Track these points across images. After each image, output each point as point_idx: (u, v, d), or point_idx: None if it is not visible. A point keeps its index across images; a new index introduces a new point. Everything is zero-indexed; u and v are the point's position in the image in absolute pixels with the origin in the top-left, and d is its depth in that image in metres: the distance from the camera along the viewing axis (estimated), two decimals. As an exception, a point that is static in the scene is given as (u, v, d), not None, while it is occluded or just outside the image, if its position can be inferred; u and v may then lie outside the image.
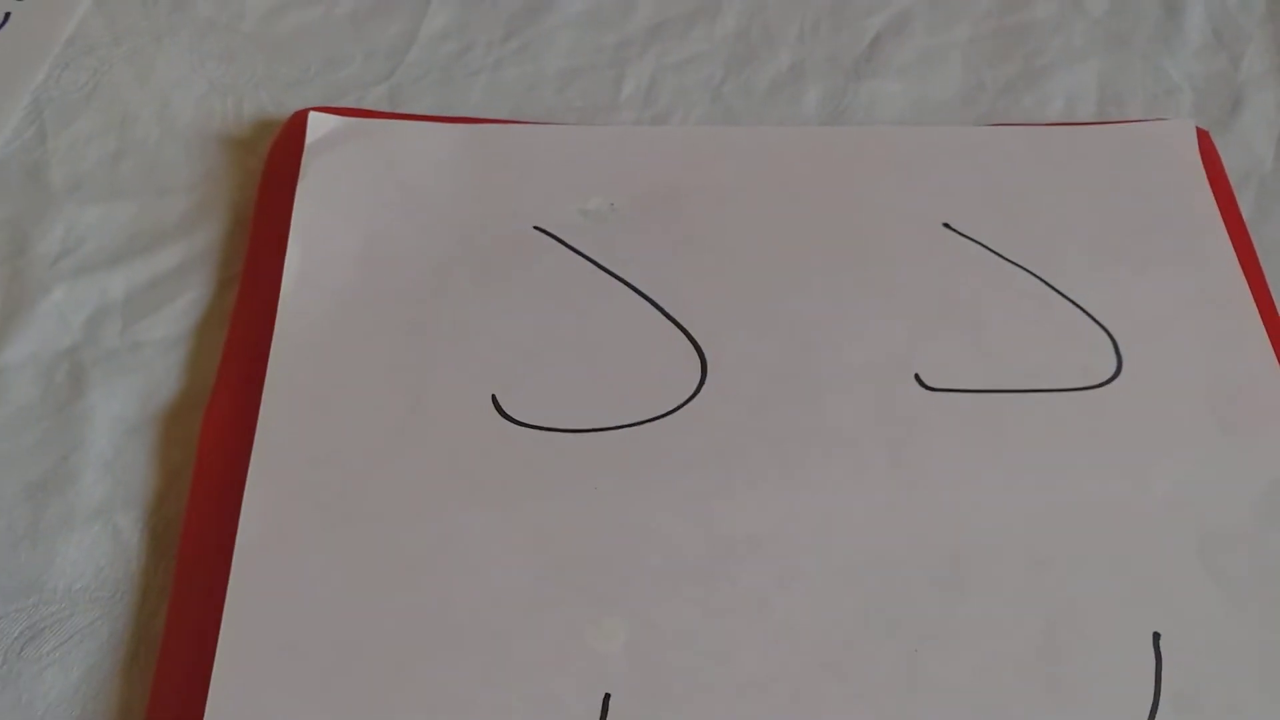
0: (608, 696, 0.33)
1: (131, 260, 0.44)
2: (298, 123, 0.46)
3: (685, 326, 0.41)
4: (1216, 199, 0.45)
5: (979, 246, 0.44)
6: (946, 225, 0.44)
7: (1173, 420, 0.39)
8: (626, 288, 0.42)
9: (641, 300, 0.42)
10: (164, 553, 0.37)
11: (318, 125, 0.46)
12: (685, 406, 0.39)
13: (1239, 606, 0.36)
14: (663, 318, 0.41)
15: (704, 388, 0.40)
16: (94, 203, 0.46)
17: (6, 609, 0.36)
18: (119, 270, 0.44)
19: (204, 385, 0.41)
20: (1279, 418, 0.39)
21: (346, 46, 0.51)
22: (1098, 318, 0.42)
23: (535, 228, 0.44)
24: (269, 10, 0.52)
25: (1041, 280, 0.43)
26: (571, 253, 0.43)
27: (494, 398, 0.39)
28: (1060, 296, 0.42)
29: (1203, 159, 0.47)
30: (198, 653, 0.34)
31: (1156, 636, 0.35)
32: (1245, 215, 0.46)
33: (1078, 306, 0.42)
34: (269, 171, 0.46)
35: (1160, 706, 0.34)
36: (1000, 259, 0.43)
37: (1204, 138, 0.48)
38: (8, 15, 0.51)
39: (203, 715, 0.33)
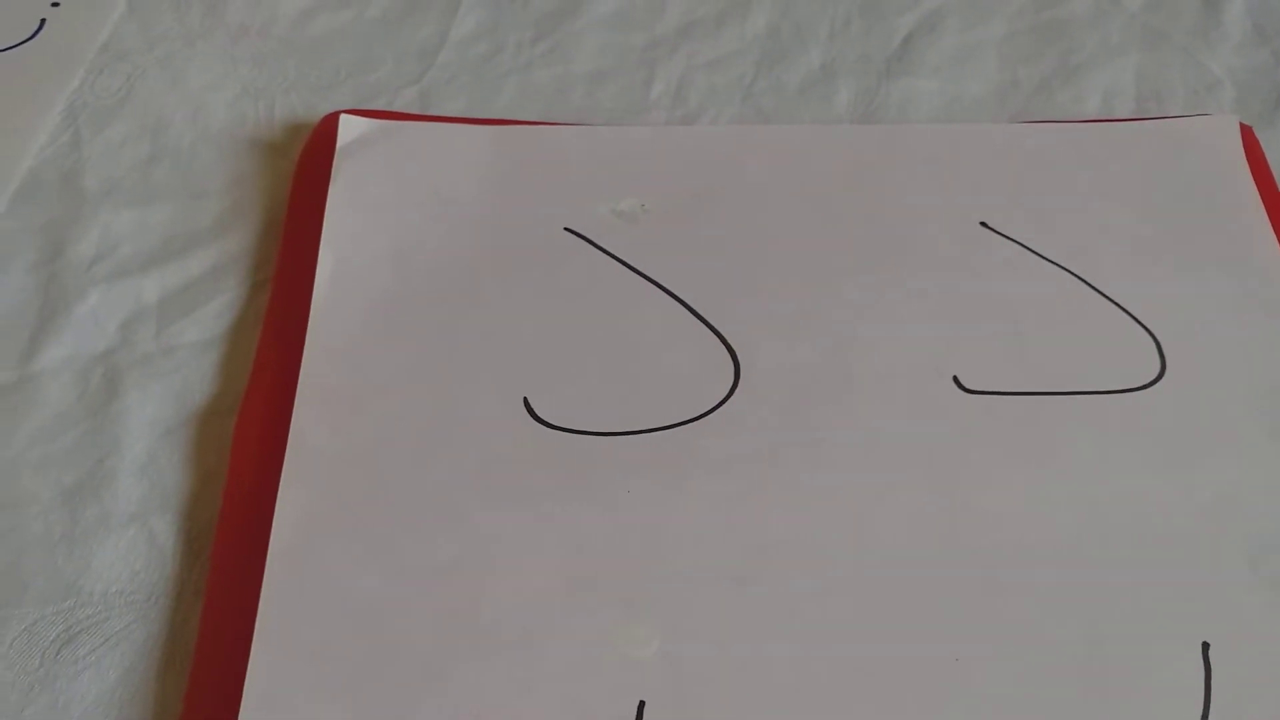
0: (642, 704, 0.33)
1: (165, 264, 0.44)
2: (329, 126, 0.46)
3: (718, 328, 0.41)
4: (1261, 195, 0.44)
5: (1017, 246, 0.43)
6: (983, 224, 0.44)
7: (1218, 423, 0.39)
8: (658, 289, 0.42)
9: (673, 302, 0.42)
10: (198, 555, 0.37)
11: (349, 128, 0.46)
12: (718, 409, 0.39)
13: (1290, 614, 0.35)
14: (695, 319, 0.41)
15: (737, 390, 0.39)
16: (128, 207, 0.46)
17: (44, 612, 0.36)
18: (153, 274, 0.44)
19: (238, 388, 0.41)
20: (1328, 420, 0.39)
21: (377, 49, 0.51)
22: (1140, 319, 0.41)
23: (566, 229, 0.44)
24: (300, 14, 0.53)
25: (1082, 280, 0.42)
26: (602, 254, 0.43)
27: (525, 400, 0.39)
28: (1101, 297, 0.42)
29: (1246, 154, 0.46)
30: (232, 655, 0.34)
31: (1206, 646, 0.34)
32: (1290, 213, 0.45)
33: (1119, 307, 0.41)
34: (300, 174, 0.46)
35: (1210, 718, 0.33)
36: (1039, 258, 0.43)
37: (1247, 133, 0.47)
38: (43, 22, 0.52)
39: (237, 717, 0.33)
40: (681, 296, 0.42)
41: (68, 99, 0.49)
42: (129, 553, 0.37)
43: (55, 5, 0.52)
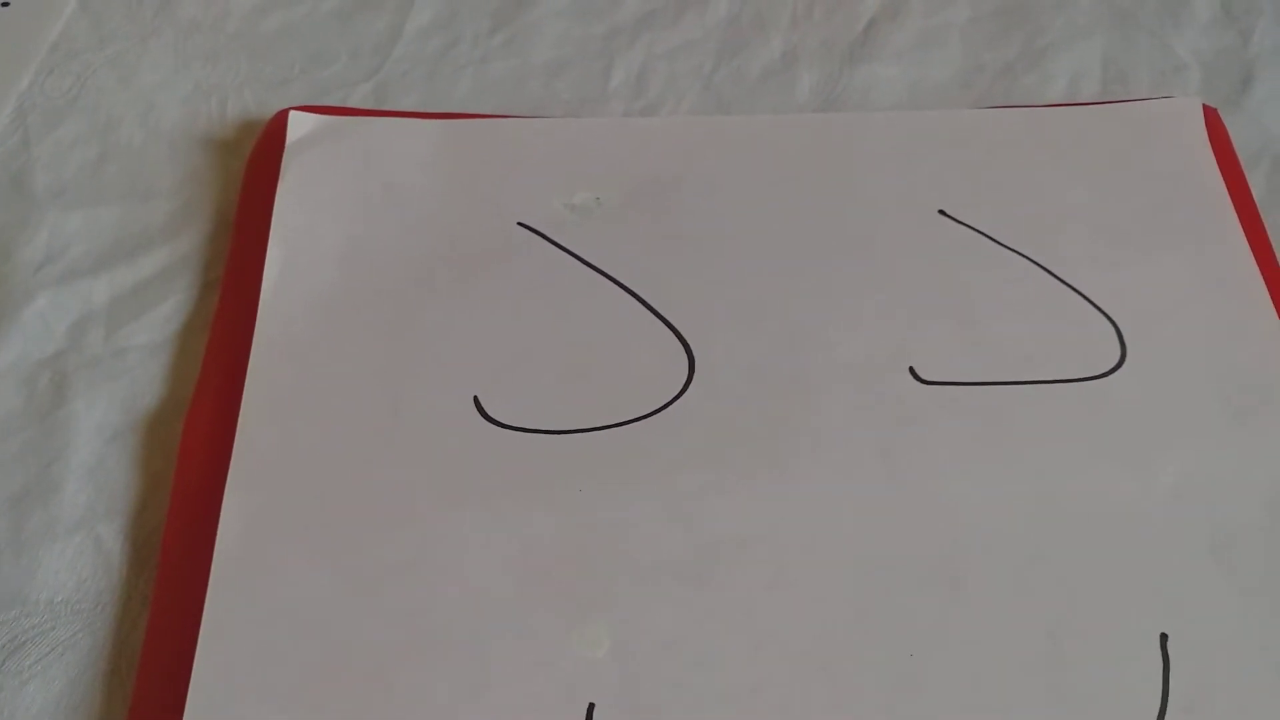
0: (592, 706, 0.33)
1: (115, 266, 0.44)
2: (279, 123, 0.46)
3: (672, 322, 0.40)
4: (1226, 179, 0.44)
5: (976, 233, 0.42)
6: (942, 212, 0.43)
7: (1180, 410, 0.38)
8: (611, 283, 0.41)
9: (627, 296, 0.41)
10: (146, 562, 0.37)
11: (298, 125, 0.45)
12: (672, 405, 0.38)
13: (1250, 605, 0.34)
14: (648, 314, 0.41)
15: (691, 385, 0.39)
16: (78, 208, 0.45)
17: (-11, 622, 0.35)
18: (102, 276, 0.43)
19: (187, 391, 0.40)
20: (1289, 405, 0.38)
21: (331, 44, 0.51)
22: (1101, 305, 0.41)
23: (519, 224, 0.43)
24: (253, 9, 0.52)
25: (1041, 267, 0.42)
26: (556, 249, 0.42)
27: (476, 399, 0.38)
28: (1061, 284, 0.41)
29: (1211, 138, 0.45)
30: (177, 663, 0.34)
31: (1164, 638, 0.34)
32: (1257, 196, 0.44)
33: (1079, 294, 0.41)
34: (250, 173, 0.45)
35: (1168, 711, 0.32)
36: (998, 246, 0.42)
37: (1212, 116, 0.46)
38: (-8, 21, 0.51)
39: (182, 725, 0.32)
40: (635, 290, 0.41)
41: (17, 99, 0.48)
42: (75, 560, 0.37)
43: (5, 5, 0.51)
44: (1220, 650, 0.33)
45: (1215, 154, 0.45)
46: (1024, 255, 0.42)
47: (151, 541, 0.37)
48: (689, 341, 0.40)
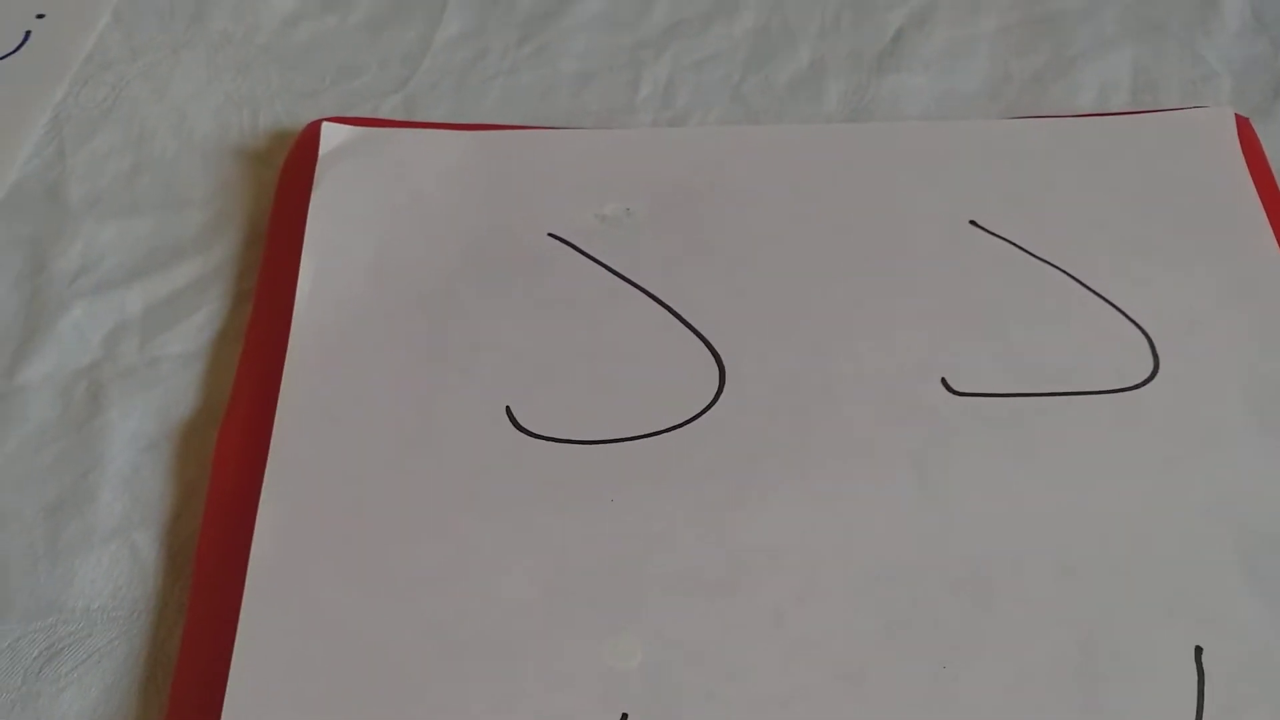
0: (624, 717, 0.33)
1: (149, 276, 0.44)
2: (311, 134, 0.46)
3: (703, 333, 0.40)
4: (1258, 189, 0.44)
5: (1007, 244, 0.42)
6: (973, 223, 0.43)
7: (1212, 422, 0.38)
8: (642, 294, 0.41)
9: (658, 307, 0.41)
10: (181, 570, 0.37)
11: (331, 136, 0.46)
12: (703, 416, 0.38)
13: (1285, 618, 0.34)
14: (679, 324, 0.41)
15: (722, 396, 0.39)
16: (112, 219, 0.46)
17: (26, 629, 0.36)
18: (137, 286, 0.44)
19: (221, 400, 0.40)
20: (1325, 418, 0.38)
21: (361, 55, 0.51)
22: (1133, 316, 0.40)
23: (550, 235, 0.43)
24: (284, 21, 0.52)
25: (1073, 278, 0.41)
26: (587, 260, 0.42)
27: (508, 409, 0.39)
28: (1094, 295, 0.41)
29: (1243, 147, 0.45)
30: (213, 669, 0.34)
31: (1199, 651, 0.33)
32: (1289, 206, 0.44)
33: (1112, 305, 0.41)
34: (283, 184, 0.45)
35: (1202, 723, 0.32)
36: (1030, 256, 0.42)
37: (1244, 125, 0.46)
38: (28, 34, 0.51)
39: (218, 734, 0.33)
40: (665, 301, 0.41)
41: (53, 111, 0.49)
42: (111, 568, 0.37)
43: (40, 17, 0.52)
44: (1256, 663, 0.33)
45: (1248, 163, 0.44)
46: (1056, 266, 0.42)
47: (187, 549, 0.37)
48: (720, 352, 0.40)
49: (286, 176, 0.46)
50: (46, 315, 0.43)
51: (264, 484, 0.37)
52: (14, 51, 0.51)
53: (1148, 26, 0.51)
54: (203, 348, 0.42)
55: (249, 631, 0.34)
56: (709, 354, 0.40)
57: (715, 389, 0.39)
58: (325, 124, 0.46)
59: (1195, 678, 0.33)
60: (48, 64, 0.50)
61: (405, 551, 0.36)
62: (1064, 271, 0.42)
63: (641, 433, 0.38)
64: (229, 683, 0.33)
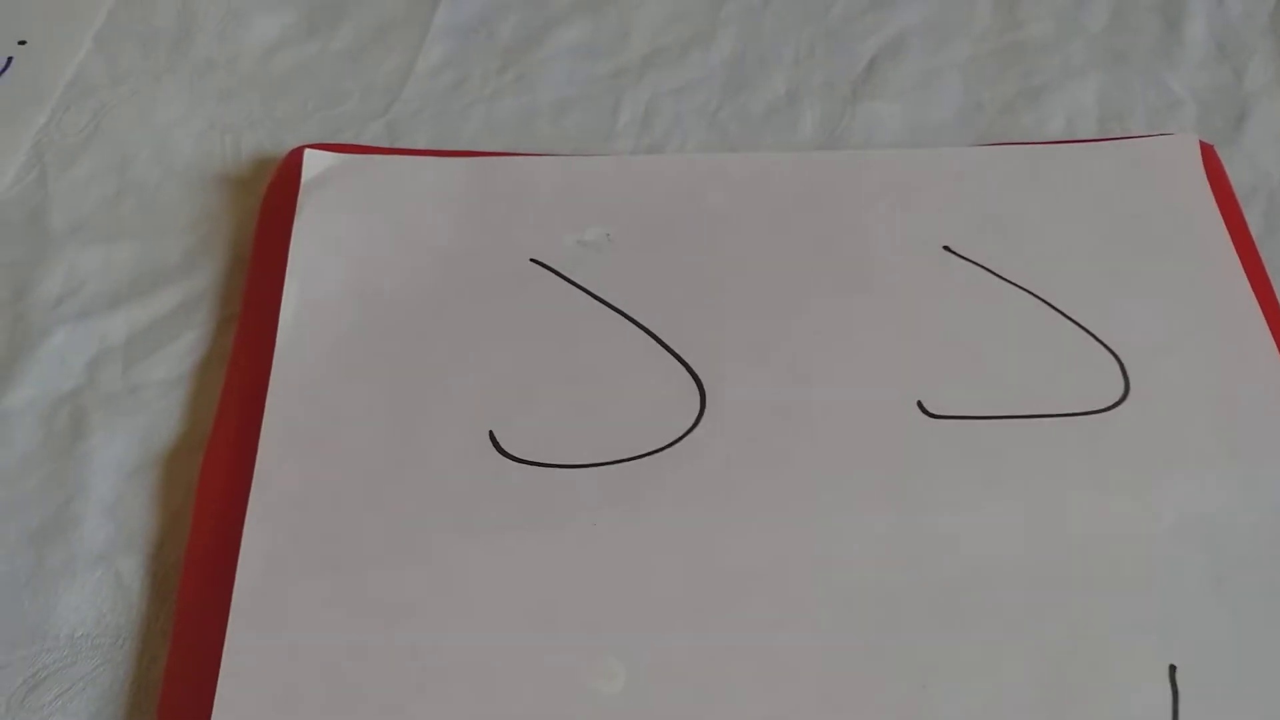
0: (608, 738, 0.33)
1: (132, 302, 0.44)
2: (294, 161, 0.47)
3: (683, 357, 0.41)
4: (1223, 214, 0.45)
5: (980, 269, 0.43)
6: (947, 248, 0.44)
7: (1182, 444, 0.39)
8: (624, 319, 0.42)
9: (639, 331, 0.42)
10: (165, 597, 0.37)
11: (313, 163, 0.46)
12: (684, 439, 0.39)
13: (1255, 637, 0.35)
14: (660, 349, 0.41)
15: (703, 419, 0.39)
16: (94, 245, 0.46)
17: (10, 657, 0.36)
18: (120, 312, 0.44)
19: (205, 426, 0.41)
20: (1289, 438, 0.39)
21: (344, 82, 0.52)
22: (1104, 340, 0.41)
23: (532, 260, 0.44)
24: (266, 48, 0.53)
25: (1045, 302, 0.42)
26: (568, 285, 0.43)
27: (491, 434, 0.39)
28: (1065, 319, 0.42)
29: (1208, 173, 0.46)
30: (197, 698, 0.34)
31: (1173, 669, 0.34)
32: (1253, 231, 0.45)
33: (1083, 329, 0.42)
34: (266, 210, 0.46)
35: (1177, 741, 0.33)
36: (1002, 281, 0.43)
37: (1208, 152, 0.47)
38: (9, 60, 0.52)
39: (202, 762, 0.33)
40: (647, 325, 0.42)
41: (34, 137, 0.49)
42: (95, 595, 0.37)
43: (22, 44, 0.52)
44: (1228, 682, 0.34)
45: (1213, 190, 0.45)
46: (1028, 290, 0.43)
47: (171, 576, 0.37)
48: (700, 376, 0.40)
49: (269, 203, 0.46)
50: (29, 341, 0.43)
51: (248, 509, 0.37)
52: (-5, 78, 0.51)
53: (1114, 56, 0.53)
54: (186, 374, 0.42)
55: (234, 657, 0.34)
56: (690, 378, 0.40)
57: (696, 413, 0.40)
58: (308, 150, 0.47)
59: (1170, 696, 0.34)
60: (30, 90, 0.50)
61: (389, 576, 0.36)
62: (1036, 296, 0.42)
63: (623, 456, 0.38)
64: (214, 709, 0.33)
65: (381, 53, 0.53)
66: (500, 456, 0.39)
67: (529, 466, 0.38)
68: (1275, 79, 0.51)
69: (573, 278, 0.43)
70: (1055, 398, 0.40)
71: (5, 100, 0.50)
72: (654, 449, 0.39)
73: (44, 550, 0.38)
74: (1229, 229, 0.44)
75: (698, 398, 0.40)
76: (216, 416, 0.40)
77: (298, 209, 0.44)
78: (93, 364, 0.42)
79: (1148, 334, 0.41)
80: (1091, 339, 0.41)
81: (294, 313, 0.42)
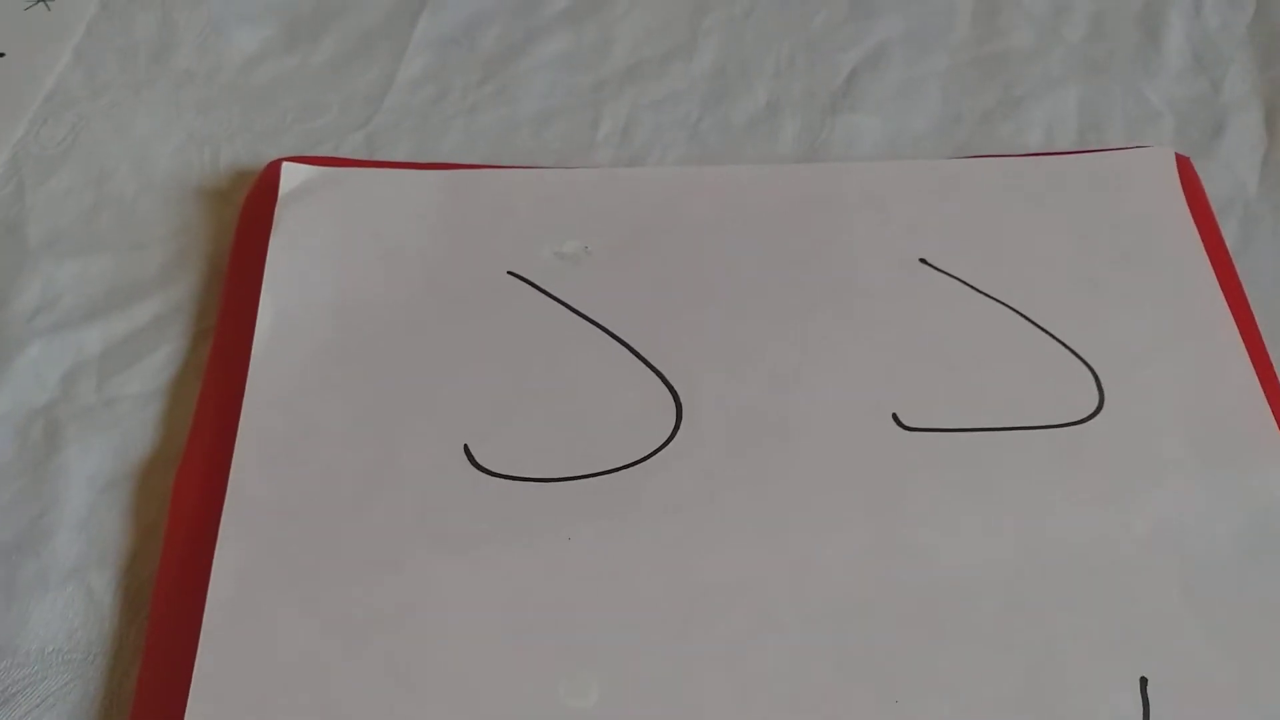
0: (581, 753, 0.33)
1: (108, 315, 0.44)
2: (272, 173, 0.46)
3: (660, 370, 0.41)
4: (1199, 227, 0.45)
5: (957, 282, 0.43)
6: (924, 261, 0.44)
7: (1156, 455, 0.39)
8: (600, 331, 0.42)
9: (616, 344, 0.42)
10: (137, 612, 0.37)
11: (291, 176, 0.46)
12: (660, 452, 0.39)
13: (1226, 647, 0.35)
14: (637, 361, 0.41)
15: (679, 432, 0.39)
16: (71, 257, 0.46)
17: (-21, 673, 0.35)
18: (95, 325, 0.44)
19: (179, 441, 0.40)
20: (1262, 450, 0.39)
21: (323, 95, 0.51)
22: (1079, 352, 0.41)
23: (509, 273, 0.44)
24: (246, 60, 0.53)
25: (1020, 314, 0.42)
26: (545, 297, 0.43)
27: (466, 447, 0.39)
28: (1040, 331, 0.42)
29: (1184, 186, 0.46)
30: (168, 714, 0.34)
31: (1144, 681, 0.34)
32: (1230, 242, 0.45)
33: (1058, 341, 0.42)
34: (243, 223, 0.46)
35: (1148, 753, 0.33)
36: (978, 294, 0.43)
37: (1185, 164, 0.47)
38: (-13, 72, 0.52)
39: (172, 779, 0.32)
40: (624, 338, 0.42)
41: (12, 149, 0.49)
42: (66, 611, 0.37)
43: (0, 55, 0.52)
44: (1199, 692, 0.34)
45: (1189, 202, 0.46)
46: (1004, 303, 0.43)
47: (143, 592, 0.37)
48: (676, 388, 0.40)
49: (247, 215, 0.46)
50: (4, 354, 0.43)
51: (222, 524, 0.37)
52: (-27, 90, 0.51)
53: (1093, 67, 0.53)
54: (161, 387, 0.42)
55: (205, 672, 0.34)
56: (666, 390, 0.40)
57: (672, 425, 0.40)
58: (285, 163, 0.46)
59: (1140, 708, 0.34)
60: (7, 102, 0.50)
61: (363, 591, 0.36)
62: (1012, 308, 0.43)
63: (598, 470, 0.38)
64: (185, 723, 0.33)
65: (362, 65, 0.53)
66: (475, 470, 0.38)
67: (504, 480, 0.38)
68: (1252, 91, 0.52)
69: (550, 290, 0.43)
70: (1030, 410, 0.40)
71: (-17, 112, 0.50)
72: (629, 462, 0.39)
73: (16, 564, 0.38)
74: (1204, 242, 0.44)
75: (674, 411, 0.40)
76: (191, 430, 0.40)
77: (274, 222, 0.44)
78: (68, 377, 0.42)
79: (1122, 346, 0.41)
80: (1067, 351, 0.41)
81: (270, 326, 0.42)
